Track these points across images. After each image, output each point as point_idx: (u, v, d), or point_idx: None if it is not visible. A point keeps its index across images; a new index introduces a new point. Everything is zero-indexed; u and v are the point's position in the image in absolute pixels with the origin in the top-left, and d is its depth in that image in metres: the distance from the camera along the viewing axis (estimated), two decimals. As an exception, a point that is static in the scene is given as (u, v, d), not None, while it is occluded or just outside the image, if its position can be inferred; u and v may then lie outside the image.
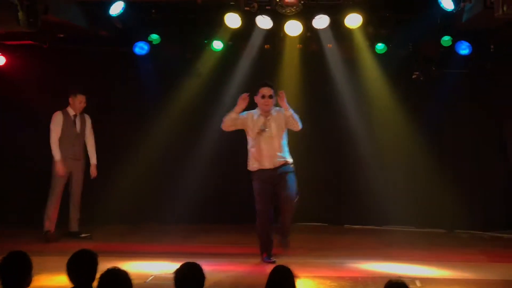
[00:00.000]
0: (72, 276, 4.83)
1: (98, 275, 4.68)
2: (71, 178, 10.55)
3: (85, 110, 10.82)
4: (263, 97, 9.03)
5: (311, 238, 10.79)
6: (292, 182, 8.98)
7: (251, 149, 9.15)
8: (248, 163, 9.19)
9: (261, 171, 9.00)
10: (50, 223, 10.41)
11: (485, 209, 11.29)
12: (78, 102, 10.49)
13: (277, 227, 9.14)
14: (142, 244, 10.41)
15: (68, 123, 10.51)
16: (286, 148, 9.11)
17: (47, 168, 10.91)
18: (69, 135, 10.48)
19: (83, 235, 10.56)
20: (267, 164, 8.99)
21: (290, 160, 9.08)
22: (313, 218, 11.95)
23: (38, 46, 10.95)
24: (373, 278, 7.93)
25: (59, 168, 10.35)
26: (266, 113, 9.03)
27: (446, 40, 10.77)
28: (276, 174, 8.96)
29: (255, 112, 9.12)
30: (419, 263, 8.97)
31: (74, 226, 10.62)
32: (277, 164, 8.99)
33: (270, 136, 9.01)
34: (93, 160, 10.69)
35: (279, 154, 9.00)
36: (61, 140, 10.42)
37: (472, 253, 9.86)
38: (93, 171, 10.66)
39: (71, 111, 10.54)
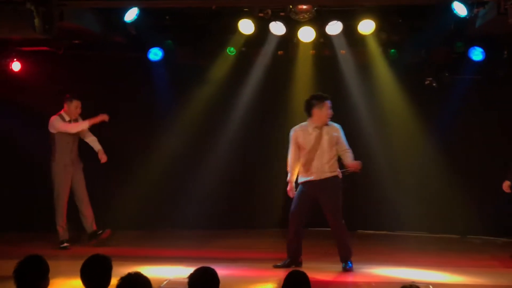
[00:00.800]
0: (86, 280, 4.82)
1: (114, 280, 4.69)
2: (73, 182, 10.48)
3: (91, 115, 10.91)
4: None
5: (324, 243, 10.77)
6: None
7: None
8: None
9: None
10: (64, 232, 10.36)
11: (498, 214, 11.25)
12: (74, 107, 10.45)
13: None
14: (156, 248, 10.45)
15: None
16: None
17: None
18: (68, 142, 10.43)
19: (100, 231, 10.47)
20: None
21: None
22: (326, 223, 11.94)
23: (53, 52, 11.03)
24: (387, 284, 7.95)
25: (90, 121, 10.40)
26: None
27: (459, 46, 10.76)
28: None
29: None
30: (432, 268, 8.96)
31: (90, 227, 10.51)
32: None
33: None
34: (98, 146, 10.60)
35: None
36: (58, 146, 10.39)
37: (485, 258, 9.84)
38: (102, 156, 10.55)
39: (66, 117, 10.48)
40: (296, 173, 9.06)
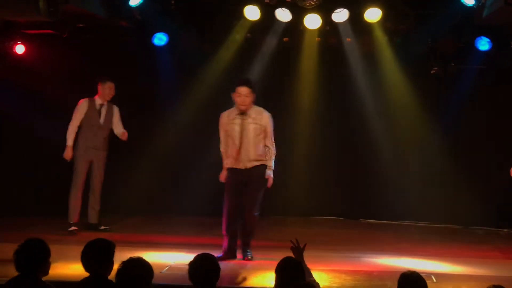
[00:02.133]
0: (87, 264, 4.83)
1: (116, 265, 4.67)
2: (91, 168, 10.43)
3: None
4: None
5: (327, 232, 10.80)
6: None
7: None
8: None
9: None
10: (74, 213, 10.28)
11: (501, 205, 11.24)
12: (108, 88, 10.30)
13: None
14: (158, 234, 10.43)
15: (93, 112, 10.33)
16: None
17: (60, 156, 11.00)
18: (93, 125, 10.31)
19: (102, 227, 10.41)
20: None
21: None
22: (328, 212, 11.97)
23: (58, 36, 10.98)
24: (389, 273, 7.91)
25: (68, 153, 10.20)
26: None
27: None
28: None
29: None
30: (434, 258, 8.94)
31: (93, 218, 10.45)
32: None
33: None
34: (120, 129, 10.45)
35: None
36: (83, 128, 10.28)
37: (487, 249, 9.83)
38: (123, 136, 10.43)
39: (98, 100, 10.36)
40: None
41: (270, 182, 8.69)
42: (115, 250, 4.92)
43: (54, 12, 8.83)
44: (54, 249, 4.90)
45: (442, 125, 11.38)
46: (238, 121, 8.67)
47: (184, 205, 11.80)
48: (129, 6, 9.99)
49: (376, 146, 11.71)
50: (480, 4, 9.25)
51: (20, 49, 11.29)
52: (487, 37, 10.71)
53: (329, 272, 7.91)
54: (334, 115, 11.75)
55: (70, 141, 10.24)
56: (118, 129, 10.45)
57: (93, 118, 10.33)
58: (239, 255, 8.67)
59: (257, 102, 11.61)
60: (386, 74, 11.47)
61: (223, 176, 8.90)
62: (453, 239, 10.59)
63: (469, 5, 9.28)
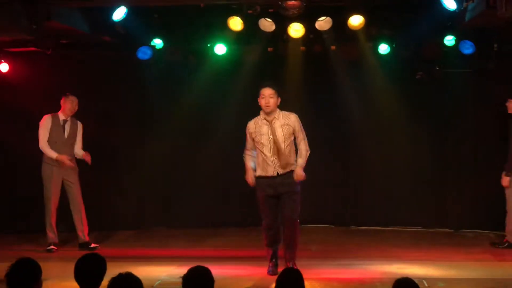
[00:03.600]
0: (80, 279, 4.84)
1: (107, 280, 4.66)
2: (66, 187, 10.25)
3: (89, 115, 10.81)
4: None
5: (317, 240, 10.78)
6: None
7: None
8: None
9: None
10: (53, 234, 10.14)
11: (491, 208, 11.24)
12: (69, 102, 10.23)
13: None
14: (149, 248, 10.41)
15: (57, 127, 10.23)
16: None
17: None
18: (57, 140, 10.19)
19: (92, 245, 10.15)
20: None
21: None
22: (318, 220, 11.96)
23: (41, 53, 10.95)
24: (381, 279, 7.93)
25: (64, 159, 10.04)
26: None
27: (449, 40, 10.75)
28: None
29: None
30: (426, 263, 8.96)
31: (81, 236, 10.23)
32: None
33: None
34: (80, 152, 10.29)
35: None
36: (49, 144, 10.17)
37: (478, 252, 9.85)
38: (86, 157, 10.24)
39: (61, 115, 10.28)
40: None
41: (301, 179, 8.45)
42: (106, 266, 4.91)
43: (36, 29, 8.81)
44: (42, 267, 4.86)
45: (430, 130, 11.41)
46: (265, 127, 8.46)
47: (174, 218, 11.78)
48: (112, 21, 9.97)
49: (364, 153, 11.72)
50: (462, 8, 9.28)
51: (4, 67, 11.26)
52: (470, 40, 10.75)
53: (321, 281, 7.91)
54: (322, 123, 11.75)
55: (54, 153, 10.10)
56: (78, 148, 10.34)
57: (58, 133, 10.23)
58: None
59: (244, 112, 11.70)
60: (371, 80, 11.50)
61: (250, 177, 8.62)
62: (444, 243, 10.61)
63: (451, 10, 9.31)
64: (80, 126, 10.39)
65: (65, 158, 10.07)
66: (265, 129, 8.44)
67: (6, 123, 11.63)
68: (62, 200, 10.38)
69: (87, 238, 10.25)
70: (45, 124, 10.21)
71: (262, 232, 8.60)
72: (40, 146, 10.19)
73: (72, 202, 10.25)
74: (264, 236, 8.56)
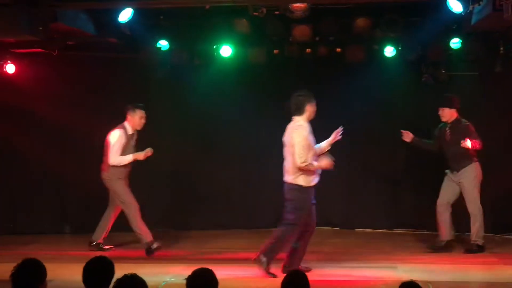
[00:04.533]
0: (88, 281, 4.84)
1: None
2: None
3: (95, 117, 10.81)
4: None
5: (323, 243, 10.77)
6: None
7: None
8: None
9: None
10: (147, 234, 9.99)
11: (496, 211, 11.23)
12: (138, 118, 10.00)
13: None
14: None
15: (128, 142, 10.02)
16: None
17: (55, 175, 10.98)
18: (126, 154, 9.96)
19: (105, 247, 10.11)
20: None
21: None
22: (324, 223, 11.94)
23: (48, 54, 10.97)
24: (386, 283, 7.92)
25: (141, 154, 9.90)
26: None
27: (455, 42, 10.73)
28: None
29: None
30: (431, 266, 8.95)
31: (98, 236, 10.16)
32: None
33: None
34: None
35: None
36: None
37: (483, 255, 9.82)
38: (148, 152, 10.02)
39: (129, 129, 10.02)
40: None
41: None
42: (114, 269, 4.91)
43: (42, 30, 8.83)
44: (48, 267, 4.87)
45: (435, 132, 11.39)
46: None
47: (180, 219, 11.78)
48: (118, 23, 9.98)
49: (369, 155, 11.71)
50: (468, 11, 9.27)
51: (10, 68, 11.28)
52: (477, 43, 10.72)
53: (326, 283, 7.90)
54: (327, 126, 11.71)
55: (127, 156, 9.92)
56: None
57: (130, 148, 10.03)
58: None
59: (249, 114, 11.70)
60: (377, 83, 11.48)
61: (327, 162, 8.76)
62: (449, 246, 10.58)
63: (457, 12, 9.30)
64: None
65: (142, 153, 9.93)
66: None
67: (11, 124, 11.64)
68: (65, 200, 10.41)
69: (101, 240, 10.21)
70: (120, 139, 9.92)
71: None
72: (110, 163, 9.92)
73: (112, 207, 10.22)
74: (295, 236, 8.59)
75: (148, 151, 9.97)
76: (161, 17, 10.69)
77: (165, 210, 11.86)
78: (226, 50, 11.17)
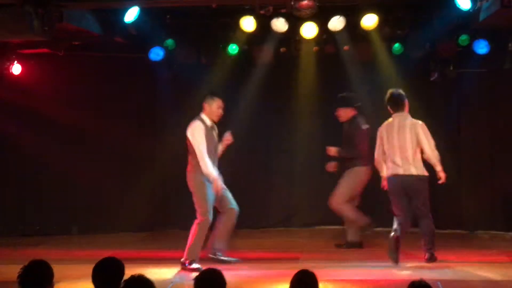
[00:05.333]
0: (97, 282, 4.82)
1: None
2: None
3: (101, 116, 10.79)
4: None
5: (331, 242, 10.72)
6: None
7: None
8: None
9: None
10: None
11: (506, 209, 11.18)
12: (216, 107, 9.02)
13: None
14: (162, 250, 10.38)
15: (209, 134, 9.02)
16: None
17: (63, 176, 10.97)
18: (211, 150, 8.99)
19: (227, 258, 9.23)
20: None
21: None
22: (332, 222, 11.90)
23: (54, 54, 10.97)
24: (395, 282, 7.87)
25: (218, 186, 8.88)
26: None
27: (463, 39, 10.68)
28: None
29: None
30: (440, 265, 8.89)
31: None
32: None
33: None
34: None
35: None
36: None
37: (494, 254, 9.77)
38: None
39: (207, 120, 9.06)
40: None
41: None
42: (124, 270, 4.88)
43: (49, 31, 8.81)
44: (55, 268, 4.85)
45: (443, 130, 11.32)
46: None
47: (188, 219, 11.73)
48: (125, 22, 9.96)
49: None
50: (476, 8, 9.23)
51: (16, 69, 11.27)
52: (485, 39, 10.68)
53: (335, 283, 7.86)
54: (334, 124, 11.68)
55: (215, 172, 8.91)
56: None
57: (212, 141, 9.06)
58: None
59: (256, 113, 11.66)
60: (385, 81, 11.42)
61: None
62: (459, 244, 10.53)
63: (465, 9, 9.25)
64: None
65: (219, 185, 8.91)
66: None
67: (19, 124, 11.63)
68: (73, 201, 10.38)
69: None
70: (201, 131, 8.94)
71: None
72: (201, 158, 8.88)
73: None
74: None
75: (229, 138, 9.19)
76: (168, 16, 10.67)
77: (174, 209, 11.82)
78: (233, 49, 11.14)
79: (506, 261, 9.30)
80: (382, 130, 9.11)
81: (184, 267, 8.64)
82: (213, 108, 9.00)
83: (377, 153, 9.14)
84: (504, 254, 9.68)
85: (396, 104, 9.03)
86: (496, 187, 11.17)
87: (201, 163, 8.83)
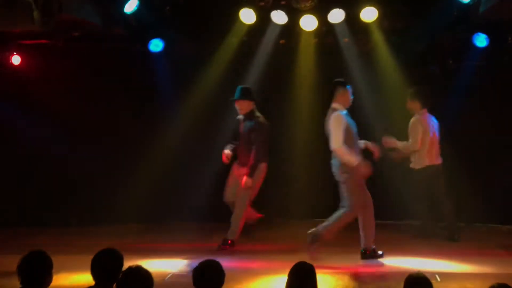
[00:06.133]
0: (96, 273, 4.83)
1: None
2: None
3: (100, 108, 10.79)
4: None
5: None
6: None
7: None
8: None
9: None
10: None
11: (503, 202, 11.19)
12: (348, 95, 8.98)
13: None
14: (160, 242, 10.41)
15: (350, 124, 8.92)
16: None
17: (63, 167, 10.99)
18: (351, 139, 8.89)
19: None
20: None
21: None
22: (330, 214, 11.91)
23: (53, 45, 10.96)
24: (393, 274, 7.89)
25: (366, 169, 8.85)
26: None
27: (463, 32, 10.68)
28: None
29: None
30: (438, 257, 8.91)
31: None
32: None
33: None
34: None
35: None
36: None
37: (491, 247, 9.79)
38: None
39: (341, 108, 8.90)
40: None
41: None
42: (123, 262, 4.89)
43: (48, 21, 8.81)
44: (54, 260, 4.87)
45: (442, 123, 11.31)
46: None
47: (186, 211, 11.76)
48: (124, 13, 9.96)
49: (378, 146, 11.65)
50: (476, 0, 9.23)
51: (16, 59, 11.27)
52: (484, 33, 10.68)
53: (333, 275, 7.88)
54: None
55: (356, 157, 8.83)
56: None
57: (351, 130, 8.96)
58: None
59: (257, 106, 11.65)
60: (384, 73, 11.44)
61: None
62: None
63: (465, 2, 9.25)
64: None
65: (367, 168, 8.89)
66: None
67: (17, 116, 11.63)
68: (72, 192, 10.39)
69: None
70: (339, 123, 8.80)
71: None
72: (341, 149, 8.78)
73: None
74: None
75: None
76: (167, 7, 10.66)
77: (172, 201, 11.82)
78: (231, 40, 11.16)
79: (503, 255, 9.33)
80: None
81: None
82: (346, 95, 8.97)
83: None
84: (501, 248, 9.71)
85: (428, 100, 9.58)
86: (493, 179, 11.18)
87: (339, 153, 8.78)
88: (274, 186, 11.52)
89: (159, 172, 11.68)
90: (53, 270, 4.83)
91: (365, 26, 10.64)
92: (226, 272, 4.77)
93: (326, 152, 11.27)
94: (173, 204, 11.80)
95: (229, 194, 10.04)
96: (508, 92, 11.25)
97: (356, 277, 7.94)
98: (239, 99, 9.86)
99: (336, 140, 8.69)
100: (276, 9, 10.33)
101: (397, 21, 10.66)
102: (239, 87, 9.93)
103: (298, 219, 11.85)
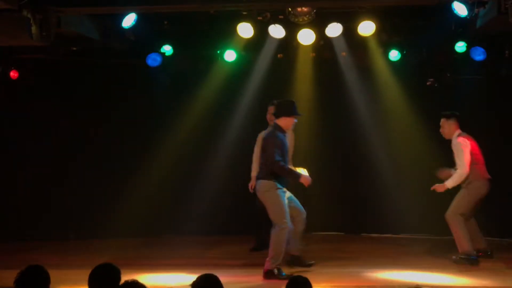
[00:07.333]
0: (93, 287, 4.81)
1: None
2: None
3: (98, 122, 10.79)
4: None
5: (328, 247, 10.73)
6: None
7: None
8: None
9: None
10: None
11: (503, 215, 11.18)
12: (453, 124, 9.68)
13: None
14: (158, 256, 10.37)
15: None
16: None
17: (60, 181, 10.97)
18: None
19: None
20: None
21: None
22: (329, 227, 11.92)
23: (51, 60, 10.96)
24: (392, 287, 7.88)
25: None
26: None
27: (460, 46, 10.71)
28: None
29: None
30: (437, 271, 8.89)
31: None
32: None
33: None
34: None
35: None
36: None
37: (490, 260, 9.76)
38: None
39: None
40: None
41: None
42: (120, 276, 4.88)
43: (47, 36, 8.82)
44: (52, 274, 4.85)
45: (441, 137, 11.32)
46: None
47: (184, 225, 11.75)
48: (122, 28, 9.97)
49: (374, 160, 11.67)
50: (473, 14, 9.24)
51: (14, 74, 11.27)
52: (482, 46, 10.70)
53: (330, 288, 7.88)
54: (331, 130, 11.72)
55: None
56: None
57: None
58: None
59: (253, 119, 11.66)
60: (382, 87, 11.47)
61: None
62: (455, 251, 10.50)
63: (462, 16, 9.26)
64: None
65: None
66: None
67: (15, 130, 11.63)
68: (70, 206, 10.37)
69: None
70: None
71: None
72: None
73: None
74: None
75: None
76: (165, 22, 10.68)
77: (170, 215, 11.82)
78: (230, 55, 11.18)
79: (503, 268, 9.30)
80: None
81: None
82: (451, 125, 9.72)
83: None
84: (500, 261, 9.68)
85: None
86: (493, 193, 11.15)
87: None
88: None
89: (158, 186, 11.67)
90: (51, 285, 4.81)
91: (362, 40, 10.66)
92: (224, 286, 4.75)
93: (325, 164, 11.35)
94: (171, 218, 11.79)
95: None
96: (506, 105, 11.27)
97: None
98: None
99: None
100: (274, 23, 10.34)
101: (395, 35, 10.70)
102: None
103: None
